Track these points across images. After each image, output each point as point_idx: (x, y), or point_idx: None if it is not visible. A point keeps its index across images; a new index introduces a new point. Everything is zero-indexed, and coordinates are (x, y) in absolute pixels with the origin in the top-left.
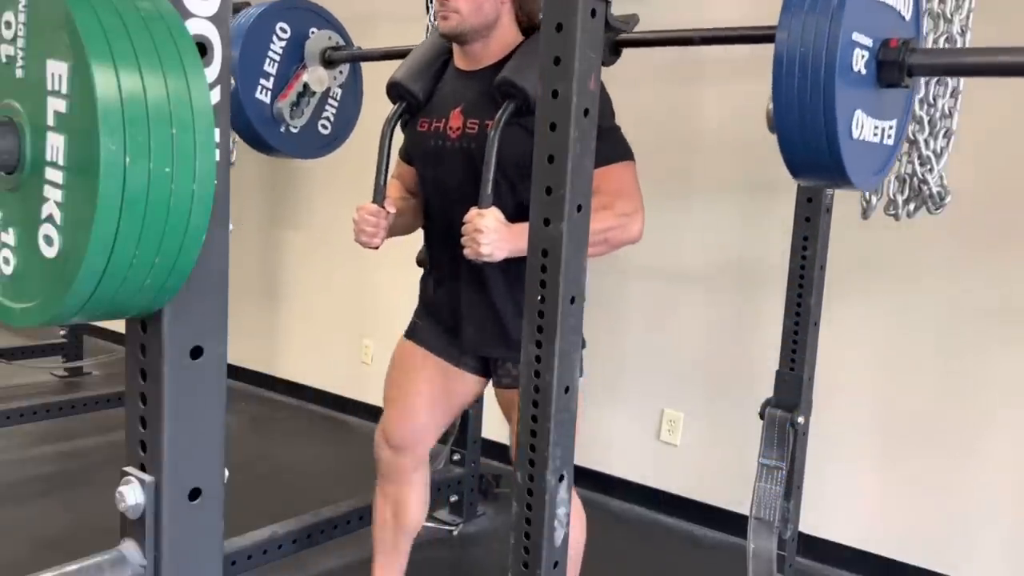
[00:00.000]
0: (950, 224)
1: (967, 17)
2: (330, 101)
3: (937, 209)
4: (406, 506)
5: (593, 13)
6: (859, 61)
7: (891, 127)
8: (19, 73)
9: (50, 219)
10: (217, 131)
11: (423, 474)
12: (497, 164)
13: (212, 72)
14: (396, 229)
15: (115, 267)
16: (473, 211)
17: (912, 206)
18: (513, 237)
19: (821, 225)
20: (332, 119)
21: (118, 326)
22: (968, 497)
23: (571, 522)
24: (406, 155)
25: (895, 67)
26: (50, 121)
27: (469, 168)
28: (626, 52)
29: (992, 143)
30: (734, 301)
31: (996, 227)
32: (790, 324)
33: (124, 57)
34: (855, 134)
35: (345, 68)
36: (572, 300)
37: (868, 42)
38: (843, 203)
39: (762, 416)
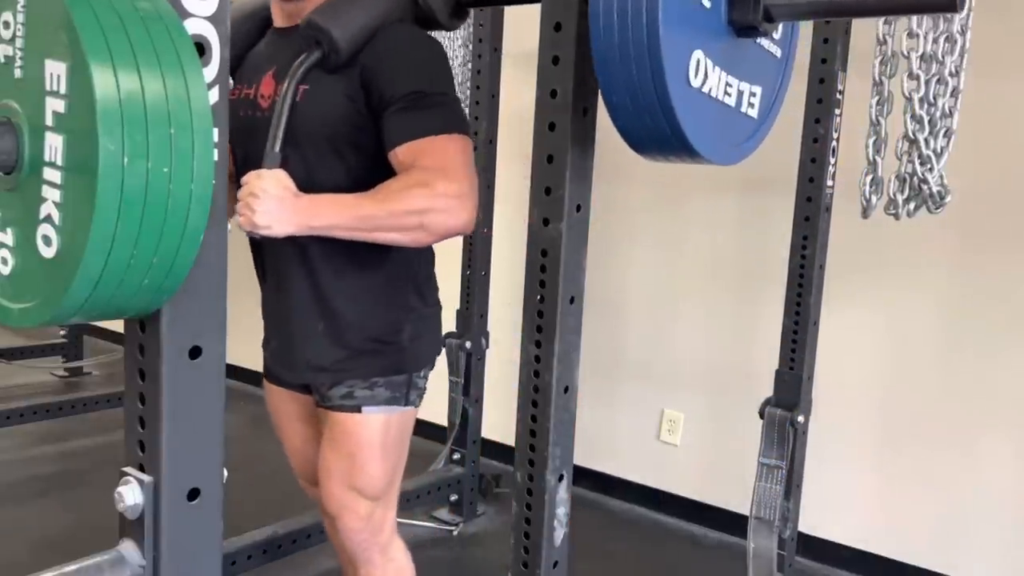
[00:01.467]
0: (950, 223)
1: (967, 16)
2: None
3: (937, 208)
4: None
5: None
6: None
7: (755, 93)
8: (18, 73)
9: (48, 219)
10: (216, 131)
11: None
12: (306, 132)
13: (210, 72)
14: None
15: (113, 267)
16: (252, 173)
17: (912, 205)
18: (301, 209)
19: (821, 225)
20: None
21: (118, 326)
22: (968, 497)
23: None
24: None
25: (749, 2)
26: (48, 121)
27: (283, 144)
28: None
29: (992, 143)
30: (734, 301)
31: (996, 226)
32: (790, 324)
33: (123, 57)
34: (694, 82)
35: None
36: (571, 300)
37: None
38: (843, 202)
39: (762, 416)
